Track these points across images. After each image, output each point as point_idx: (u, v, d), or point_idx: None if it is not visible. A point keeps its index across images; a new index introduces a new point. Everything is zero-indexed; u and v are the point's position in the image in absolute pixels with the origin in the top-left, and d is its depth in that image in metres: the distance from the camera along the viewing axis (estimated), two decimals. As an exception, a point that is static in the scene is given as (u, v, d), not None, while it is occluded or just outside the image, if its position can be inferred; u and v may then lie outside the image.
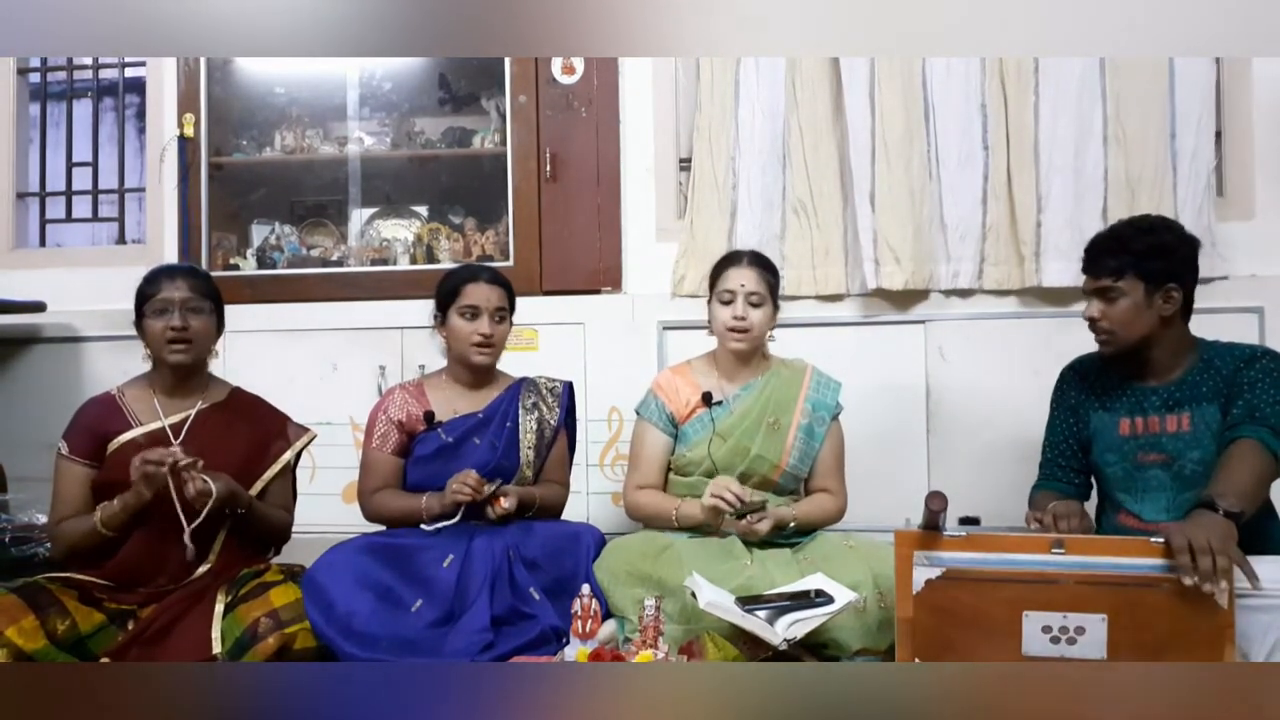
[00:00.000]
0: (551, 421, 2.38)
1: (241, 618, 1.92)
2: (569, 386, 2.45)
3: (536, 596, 2.07)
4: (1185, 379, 1.99)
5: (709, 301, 2.37)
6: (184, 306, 2.09)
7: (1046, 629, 1.67)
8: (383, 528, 2.30)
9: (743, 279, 2.28)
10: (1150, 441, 2.00)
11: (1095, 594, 1.65)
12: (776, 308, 2.35)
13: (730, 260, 2.36)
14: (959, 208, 2.86)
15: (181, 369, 2.13)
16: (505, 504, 2.18)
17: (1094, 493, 2.17)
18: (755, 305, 2.28)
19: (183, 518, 1.98)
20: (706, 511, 2.15)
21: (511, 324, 2.38)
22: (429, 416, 2.30)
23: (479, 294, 2.29)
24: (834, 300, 2.95)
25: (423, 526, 2.20)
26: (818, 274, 2.94)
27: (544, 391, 2.41)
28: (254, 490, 2.15)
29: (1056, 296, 2.82)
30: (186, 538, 1.98)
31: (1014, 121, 2.82)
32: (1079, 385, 2.14)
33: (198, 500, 1.95)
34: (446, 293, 2.32)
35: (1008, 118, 2.83)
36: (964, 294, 2.89)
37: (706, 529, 2.22)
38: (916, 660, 1.71)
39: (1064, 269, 2.75)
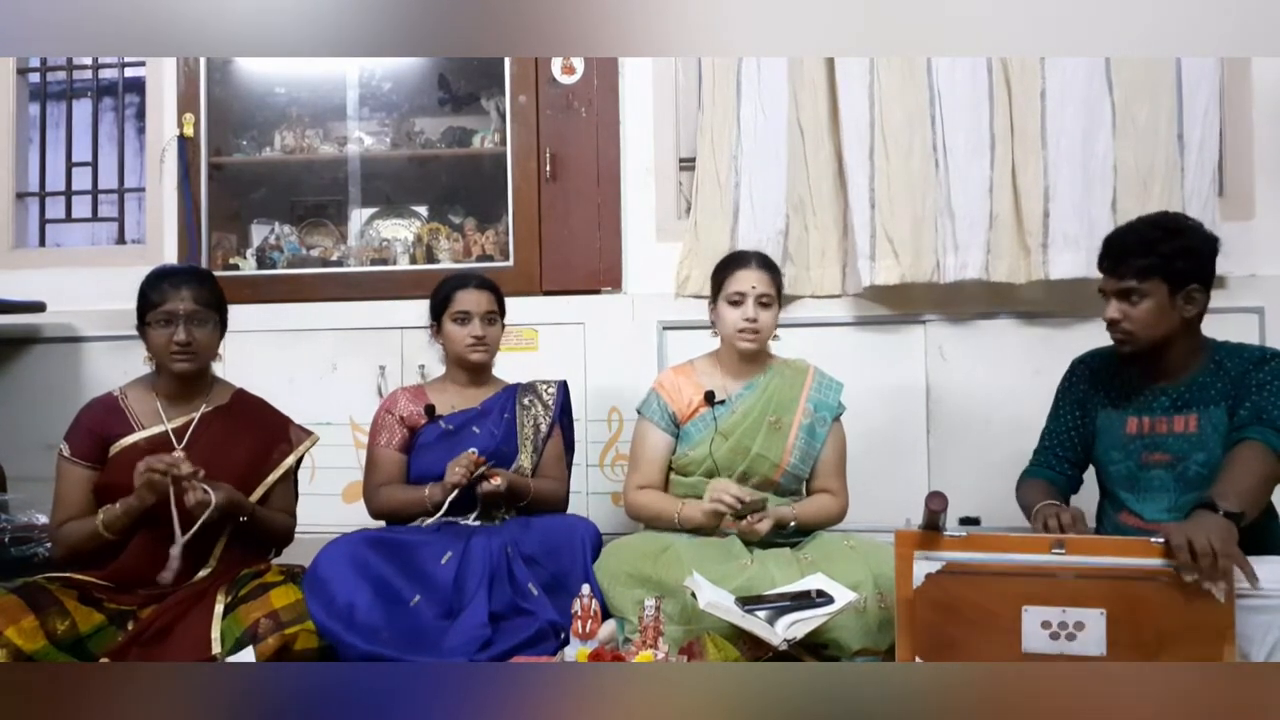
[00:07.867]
0: (546, 419, 2.45)
1: (241, 618, 1.93)
2: (563, 385, 2.51)
3: (535, 592, 2.08)
4: (1195, 380, 1.98)
5: (713, 302, 2.38)
6: (189, 319, 2.07)
7: (1046, 624, 1.67)
8: (384, 524, 2.33)
9: (753, 280, 2.30)
10: (1156, 441, 1.99)
11: (1095, 589, 1.66)
12: (780, 307, 2.37)
13: (738, 262, 2.36)
14: (965, 198, 2.82)
15: (185, 375, 2.13)
16: (496, 482, 2.23)
17: (1090, 488, 2.17)
18: (765, 306, 2.31)
19: (178, 528, 1.97)
20: (707, 515, 2.18)
21: (503, 326, 2.46)
22: (430, 409, 2.37)
23: (469, 300, 2.38)
24: (835, 300, 2.95)
25: (427, 521, 2.23)
26: (818, 273, 2.94)
27: (539, 392, 2.48)
28: (257, 495, 2.15)
29: (1057, 297, 2.81)
30: (177, 549, 1.97)
31: (1020, 111, 2.79)
32: (1089, 380, 2.13)
33: (196, 509, 1.95)
34: (439, 301, 2.42)
35: (1012, 107, 2.80)
36: (965, 293, 2.87)
37: (708, 530, 2.22)
38: (917, 658, 1.71)
39: (1072, 260, 2.73)
